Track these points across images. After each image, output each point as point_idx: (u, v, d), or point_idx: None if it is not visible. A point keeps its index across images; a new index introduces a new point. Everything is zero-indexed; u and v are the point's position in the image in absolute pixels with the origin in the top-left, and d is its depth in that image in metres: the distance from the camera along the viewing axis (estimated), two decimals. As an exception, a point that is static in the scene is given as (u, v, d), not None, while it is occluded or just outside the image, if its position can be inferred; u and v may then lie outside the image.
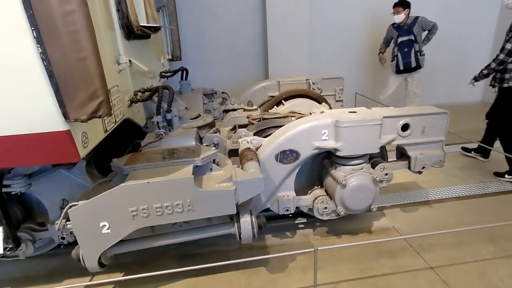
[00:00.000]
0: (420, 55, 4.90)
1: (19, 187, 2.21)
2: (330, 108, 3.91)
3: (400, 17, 4.81)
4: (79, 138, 1.64)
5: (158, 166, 2.03)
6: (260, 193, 2.16)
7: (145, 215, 1.90)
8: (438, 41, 5.91)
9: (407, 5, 4.78)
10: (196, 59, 5.61)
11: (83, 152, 1.67)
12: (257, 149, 2.52)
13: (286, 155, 2.46)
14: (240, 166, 2.22)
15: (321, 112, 2.65)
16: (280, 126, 2.63)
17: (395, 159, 2.94)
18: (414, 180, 3.59)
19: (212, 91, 4.46)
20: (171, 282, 2.31)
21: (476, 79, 3.72)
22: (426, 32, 4.96)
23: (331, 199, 2.61)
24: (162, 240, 2.19)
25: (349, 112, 2.53)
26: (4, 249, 2.09)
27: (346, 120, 2.37)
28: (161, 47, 4.07)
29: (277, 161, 2.46)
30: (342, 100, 4.48)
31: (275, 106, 3.89)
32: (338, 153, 2.44)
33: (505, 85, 3.49)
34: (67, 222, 1.92)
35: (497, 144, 3.80)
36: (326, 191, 2.71)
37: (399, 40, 4.94)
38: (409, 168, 2.77)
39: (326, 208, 2.59)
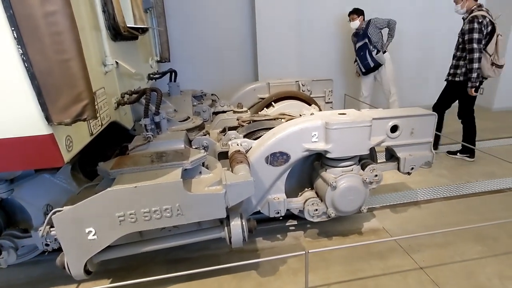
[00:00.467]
0: (376, 54, 5.03)
1: (1, 192, 2.13)
2: (320, 110, 3.93)
3: (355, 24, 5.09)
4: (63, 142, 1.60)
5: (146, 170, 1.98)
6: (251, 196, 2.14)
7: (132, 220, 1.86)
8: (428, 42, 6.02)
9: (360, 12, 5.07)
10: (185, 61, 5.57)
11: (67, 156, 1.62)
12: (247, 151, 2.50)
13: (276, 158, 2.45)
14: (230, 169, 2.20)
15: (311, 114, 2.66)
16: (270, 128, 2.62)
17: (385, 160, 2.97)
18: (403, 181, 3.63)
19: (202, 93, 4.43)
20: (160, 288, 2.27)
21: (473, 86, 3.80)
22: (387, 30, 5.10)
23: (321, 201, 2.61)
24: (150, 245, 2.14)
25: (339, 114, 2.54)
26: (-15, 257, 2.02)
27: (336, 122, 2.38)
28: (149, 49, 4.02)
29: (267, 163, 2.45)
30: (331, 102, 4.52)
31: (265, 108, 3.89)
32: (328, 155, 2.45)
33: (457, 79, 3.97)
34: (51, 229, 1.85)
35: (485, 144, 3.89)
36: (316, 193, 2.71)
37: (357, 45, 5.21)
38: (398, 169, 2.81)
39: (316, 210, 2.59)
